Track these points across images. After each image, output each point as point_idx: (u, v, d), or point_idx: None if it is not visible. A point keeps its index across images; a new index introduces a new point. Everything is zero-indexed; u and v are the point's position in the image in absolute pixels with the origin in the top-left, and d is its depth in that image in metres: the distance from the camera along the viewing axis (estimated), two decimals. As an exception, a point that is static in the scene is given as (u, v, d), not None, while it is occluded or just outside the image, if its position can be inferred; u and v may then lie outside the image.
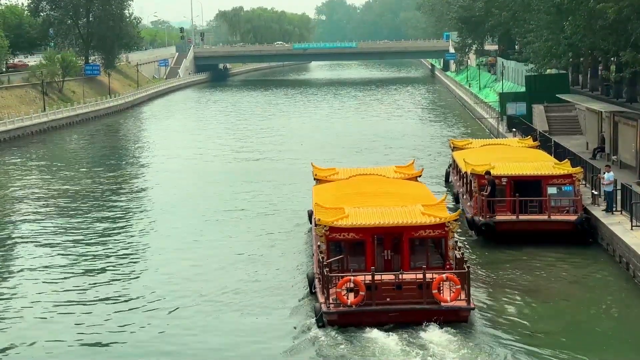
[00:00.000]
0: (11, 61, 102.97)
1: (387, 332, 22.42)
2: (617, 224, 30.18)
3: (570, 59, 60.39)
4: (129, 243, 34.63)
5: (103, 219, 39.37)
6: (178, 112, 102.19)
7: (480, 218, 32.54)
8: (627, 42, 42.43)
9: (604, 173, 32.83)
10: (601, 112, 45.78)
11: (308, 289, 26.14)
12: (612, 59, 54.26)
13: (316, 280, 25.02)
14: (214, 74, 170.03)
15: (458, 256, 24.59)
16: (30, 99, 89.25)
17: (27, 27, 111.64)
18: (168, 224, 37.99)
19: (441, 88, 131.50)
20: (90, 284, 28.64)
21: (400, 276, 23.36)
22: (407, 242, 24.98)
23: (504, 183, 33.35)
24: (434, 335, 22.18)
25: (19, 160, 61.49)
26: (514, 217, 32.47)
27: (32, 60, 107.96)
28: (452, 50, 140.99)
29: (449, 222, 24.96)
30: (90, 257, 32.36)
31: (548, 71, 65.71)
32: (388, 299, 23.02)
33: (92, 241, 34.92)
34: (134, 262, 31.57)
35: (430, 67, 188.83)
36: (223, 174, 52.15)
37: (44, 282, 29.09)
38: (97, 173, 53.81)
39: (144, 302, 26.57)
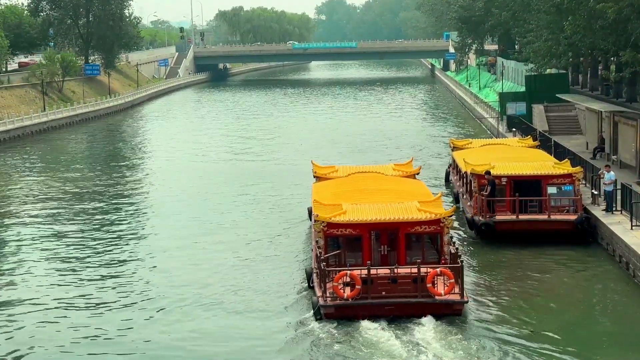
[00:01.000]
0: (22, 59, 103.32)
1: (382, 325, 22.90)
2: (617, 224, 30.19)
3: (570, 59, 60.34)
4: (129, 242, 34.64)
5: (103, 218, 39.39)
6: (178, 112, 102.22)
7: (480, 218, 32.55)
8: (627, 42, 42.41)
9: (603, 172, 32.84)
10: (601, 111, 45.79)
11: (306, 283, 26.56)
12: (612, 58, 54.24)
13: (314, 275, 25.53)
14: (213, 73, 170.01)
15: (452, 251, 25.20)
16: (30, 98, 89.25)
17: (27, 27, 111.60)
18: (168, 223, 38.09)
19: (441, 88, 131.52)
20: (90, 284, 28.65)
21: (395, 270, 23.89)
22: (403, 237, 25.44)
23: (503, 183, 33.37)
24: (428, 327, 22.63)
25: (19, 160, 61.48)
26: (514, 217, 32.48)
27: (33, 60, 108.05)
28: (452, 50, 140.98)
29: (444, 218, 25.42)
30: (90, 256, 32.36)
31: (548, 71, 65.69)
32: (383, 293, 23.51)
33: (91, 241, 34.90)
34: (135, 261, 31.56)
35: (430, 67, 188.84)
36: (223, 174, 52.19)
37: (44, 282, 29.05)
38: (97, 173, 53.82)
39: (144, 299, 26.68)
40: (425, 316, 23.10)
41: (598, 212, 32.30)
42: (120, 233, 36.42)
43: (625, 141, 41.61)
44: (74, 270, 30.46)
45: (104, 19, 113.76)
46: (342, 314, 23.39)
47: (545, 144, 45.77)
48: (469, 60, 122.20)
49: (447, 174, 45.36)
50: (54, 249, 33.83)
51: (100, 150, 68.38)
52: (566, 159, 36.76)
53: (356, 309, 23.38)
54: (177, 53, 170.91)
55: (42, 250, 33.60)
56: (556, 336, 22.65)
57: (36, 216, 40.18)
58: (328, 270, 24.12)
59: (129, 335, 23.77)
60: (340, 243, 26.03)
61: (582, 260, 30.04)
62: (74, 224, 38.34)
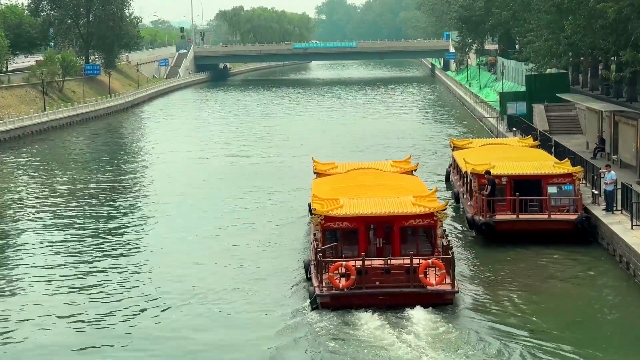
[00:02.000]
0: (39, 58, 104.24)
1: (376, 314, 23.77)
2: (618, 224, 30.17)
3: (571, 59, 60.32)
4: (131, 241, 34.67)
5: (103, 218, 39.40)
6: (178, 111, 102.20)
7: (481, 217, 32.53)
8: (627, 41, 42.40)
9: (604, 172, 32.80)
10: (601, 111, 45.79)
11: (305, 274, 27.44)
12: (612, 58, 54.19)
13: (311, 266, 26.37)
14: (214, 73, 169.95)
15: (445, 243, 26.23)
16: (30, 98, 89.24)
17: (27, 26, 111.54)
18: (169, 219, 38.59)
19: (441, 88, 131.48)
20: (90, 283, 28.69)
21: (388, 261, 24.90)
22: (398, 230, 26.47)
23: (504, 182, 33.36)
24: (420, 316, 23.51)
25: (19, 160, 61.49)
26: (514, 217, 32.47)
27: (33, 60, 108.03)
28: (452, 50, 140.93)
29: (437, 211, 26.41)
30: (91, 256, 32.40)
31: (548, 71, 65.67)
32: (377, 283, 24.50)
33: (92, 240, 34.93)
34: (135, 259, 31.58)
35: (430, 66, 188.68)
36: (224, 173, 52.29)
37: (44, 282, 29.08)
38: (97, 173, 53.83)
39: (146, 295, 27.03)
40: (417, 305, 23.94)
41: (598, 211, 32.29)
42: (121, 232, 36.44)
43: (626, 141, 41.61)
44: (73, 269, 30.46)
45: (104, 18, 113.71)
46: (338, 303, 24.33)
47: (545, 143, 45.76)
48: (469, 60, 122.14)
49: (448, 174, 45.37)
50: (54, 248, 33.82)
51: (100, 150, 68.34)
52: (566, 159, 36.74)
53: (351, 298, 24.31)
54: (177, 53, 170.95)
55: (42, 249, 33.58)
56: (556, 335, 22.66)
57: (36, 216, 40.19)
58: (324, 261, 25.05)
59: (134, 331, 24.04)
60: (337, 236, 26.82)
61: (582, 260, 30.02)
62: (74, 223, 38.34)
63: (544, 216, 32.35)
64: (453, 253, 25.43)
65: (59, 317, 25.38)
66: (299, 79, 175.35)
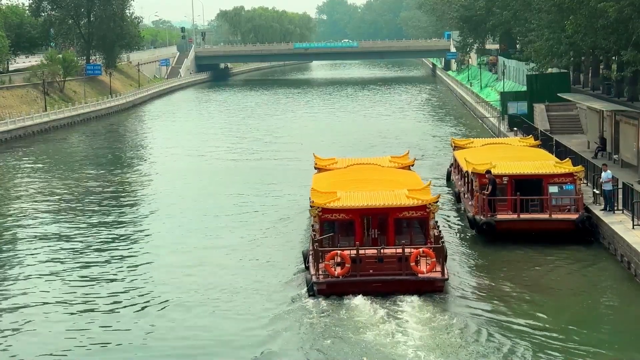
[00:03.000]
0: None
1: (369, 300, 24.96)
2: (619, 223, 30.16)
3: (572, 58, 60.37)
4: (132, 240, 34.71)
5: (104, 218, 39.42)
6: (179, 111, 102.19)
7: (481, 217, 32.52)
8: (628, 41, 42.43)
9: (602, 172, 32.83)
10: (602, 111, 45.76)
11: (303, 264, 28.50)
12: (613, 58, 54.25)
13: (309, 256, 27.30)
14: (215, 73, 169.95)
15: (436, 234, 27.29)
16: (31, 98, 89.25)
17: (28, 27, 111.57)
18: (169, 219, 38.61)
19: (442, 87, 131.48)
20: (91, 283, 28.70)
21: (381, 251, 26.15)
22: (393, 222, 27.60)
23: (505, 182, 33.36)
24: (412, 302, 24.69)
25: (20, 160, 61.50)
26: (515, 216, 32.48)
27: (34, 60, 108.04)
28: (453, 50, 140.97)
29: (429, 204, 27.55)
30: (91, 256, 32.41)
31: (549, 70, 65.68)
32: (371, 271, 25.71)
33: (92, 240, 34.93)
34: (136, 258, 31.61)
35: (431, 66, 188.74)
36: (225, 171, 52.41)
37: (44, 281, 29.07)
38: (98, 173, 53.82)
39: (147, 293, 27.19)
40: (409, 292, 25.13)
41: (599, 211, 32.28)
42: (122, 231, 36.47)
43: (627, 140, 41.59)
44: (74, 270, 30.47)
45: (105, 19, 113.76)
46: (333, 290, 25.51)
47: (546, 143, 45.76)
48: (470, 60, 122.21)
49: (449, 173, 45.40)
50: (55, 248, 33.83)
51: (101, 150, 68.32)
52: (567, 158, 36.74)
53: (346, 285, 25.50)
54: (178, 53, 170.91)
55: (42, 249, 33.59)
56: (556, 334, 22.66)
57: (37, 216, 40.21)
58: (321, 250, 26.29)
59: (136, 330, 24.16)
60: (334, 227, 27.96)
61: (583, 259, 30.02)
62: (75, 223, 38.36)
63: (545, 216, 32.33)
64: (444, 242, 26.69)
65: (58, 317, 25.38)
66: (299, 79, 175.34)
